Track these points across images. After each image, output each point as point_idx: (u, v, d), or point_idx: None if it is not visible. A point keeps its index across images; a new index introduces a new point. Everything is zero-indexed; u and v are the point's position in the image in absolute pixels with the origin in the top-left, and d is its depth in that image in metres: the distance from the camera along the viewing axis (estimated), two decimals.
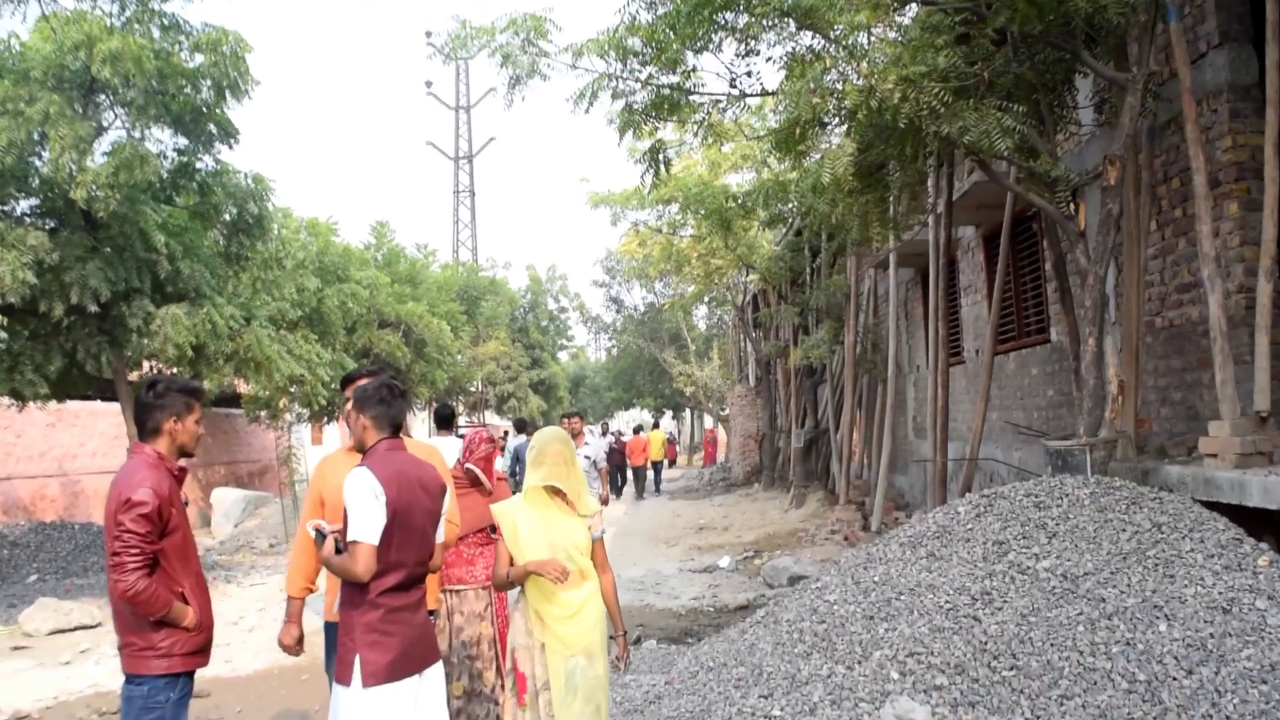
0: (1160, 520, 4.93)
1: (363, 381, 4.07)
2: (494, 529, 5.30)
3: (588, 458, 11.68)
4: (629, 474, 27.08)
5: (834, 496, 16.63)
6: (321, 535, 3.84)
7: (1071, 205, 6.21)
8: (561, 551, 4.07)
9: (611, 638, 4.34)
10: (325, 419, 21.15)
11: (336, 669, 3.70)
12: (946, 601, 4.80)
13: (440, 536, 3.99)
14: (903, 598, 5.01)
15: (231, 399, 21.45)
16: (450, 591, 5.31)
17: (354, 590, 3.66)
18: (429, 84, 44.41)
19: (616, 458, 26.66)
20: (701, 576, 12.18)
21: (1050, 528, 5.10)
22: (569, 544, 4.09)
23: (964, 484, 9.62)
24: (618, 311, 43.21)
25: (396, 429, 3.86)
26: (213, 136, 10.66)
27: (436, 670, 3.83)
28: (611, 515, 20.19)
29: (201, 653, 3.99)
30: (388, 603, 3.65)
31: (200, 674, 8.61)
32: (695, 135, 6.84)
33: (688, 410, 51.89)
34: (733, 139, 14.57)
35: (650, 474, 28.75)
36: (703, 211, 11.75)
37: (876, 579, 5.33)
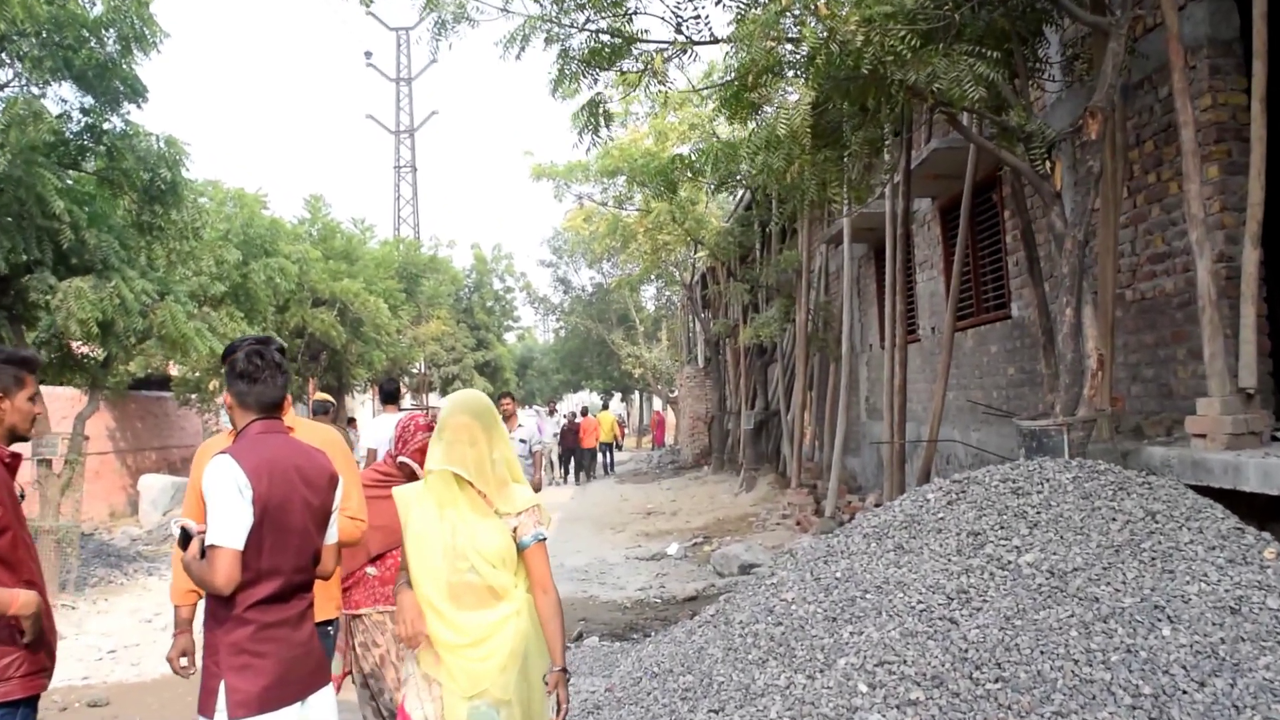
0: (1153, 508, 4.42)
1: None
2: None
3: (523, 441, 11.05)
4: (583, 456, 26.51)
5: (785, 479, 16.16)
6: (187, 535, 3.21)
7: (1048, 164, 5.68)
8: (462, 561, 3.20)
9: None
10: None
11: (200, 698, 3.08)
12: (919, 601, 4.26)
13: (333, 536, 3.36)
14: (869, 596, 4.47)
15: (161, 381, 20.54)
16: (356, 617, 4.44)
17: (218, 604, 3.03)
18: (369, 55, 43.65)
19: (570, 439, 26.06)
20: (649, 565, 11.64)
21: (1031, 516, 4.58)
22: (475, 551, 3.19)
23: (923, 466, 9.15)
24: (565, 292, 42.55)
25: (270, 408, 3.22)
26: (119, 95, 9.83)
27: (324, 697, 3.20)
28: (558, 500, 19.62)
29: (43, 673, 3.32)
30: (259, 618, 3.02)
31: (103, 679, 7.98)
32: (638, 88, 6.20)
33: (637, 392, 51.42)
34: (679, 107, 14.01)
35: (601, 456, 28.30)
36: (645, 178, 11.02)
37: (839, 575, 4.78)
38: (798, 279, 15.14)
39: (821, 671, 4.10)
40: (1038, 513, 4.59)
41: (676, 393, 32.86)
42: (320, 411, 10.57)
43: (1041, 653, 3.68)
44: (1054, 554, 4.24)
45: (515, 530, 3.26)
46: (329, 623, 3.90)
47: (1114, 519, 4.39)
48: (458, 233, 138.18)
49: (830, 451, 13.70)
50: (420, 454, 4.46)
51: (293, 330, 18.15)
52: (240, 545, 2.95)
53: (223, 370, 3.40)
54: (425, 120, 44.80)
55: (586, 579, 10.78)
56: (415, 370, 31.37)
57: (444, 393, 37.07)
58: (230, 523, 2.94)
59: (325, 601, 3.85)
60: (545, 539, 3.33)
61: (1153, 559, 4.08)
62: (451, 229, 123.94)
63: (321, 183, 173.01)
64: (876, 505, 11.83)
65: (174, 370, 18.51)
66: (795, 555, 5.44)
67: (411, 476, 4.43)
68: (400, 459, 4.57)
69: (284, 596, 3.09)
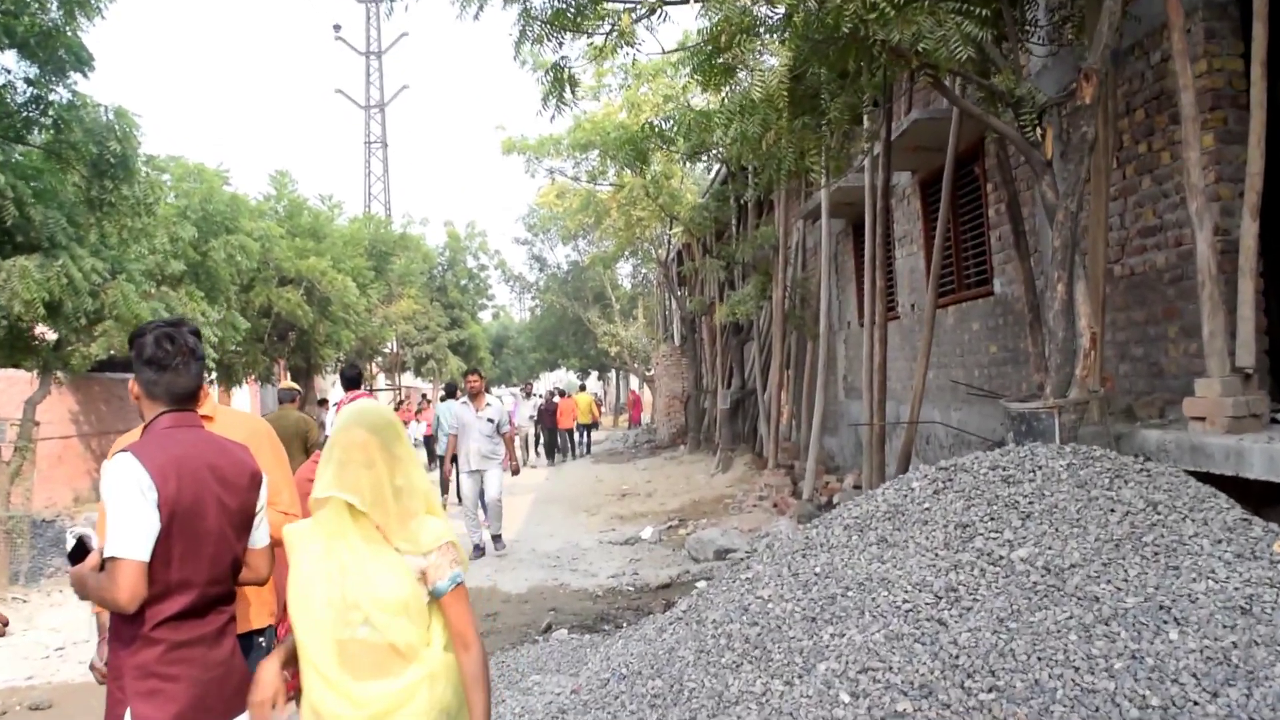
0: (1154, 498, 4.13)
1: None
2: None
3: (490, 420, 10.72)
4: (559, 437, 26.11)
5: (762, 460, 15.88)
6: (83, 547, 2.85)
7: (1038, 131, 5.35)
8: (354, 612, 2.57)
9: None
10: (236, 383, 19.85)
11: None
12: (904, 600, 3.95)
13: (263, 538, 3.01)
14: (850, 594, 4.16)
15: (126, 363, 20.04)
16: None
17: (122, 622, 2.68)
18: (337, 28, 42.81)
19: (548, 419, 25.63)
20: (622, 549, 11.33)
21: (1023, 507, 4.28)
22: (370, 600, 2.56)
23: (904, 448, 8.86)
24: (541, 270, 42.09)
25: (182, 399, 2.86)
26: (64, 64, 9.36)
27: None
28: (532, 481, 19.28)
29: None
30: (169, 636, 2.67)
31: (49, 678, 7.59)
32: (604, 54, 5.82)
33: (613, 371, 51.09)
34: (653, 78, 13.62)
35: (578, 436, 27.97)
36: (616, 148, 10.59)
37: (818, 570, 4.46)
38: (774, 255, 14.80)
39: (800, 678, 3.79)
40: (1030, 503, 4.29)
41: (653, 371, 32.57)
42: (287, 399, 10.24)
43: (1039, 659, 3.38)
44: (1049, 549, 3.94)
45: (425, 573, 2.64)
46: (259, 632, 3.52)
47: (1112, 510, 4.09)
48: (431, 210, 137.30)
49: (808, 431, 13.42)
50: None
51: (258, 310, 17.69)
52: (145, 556, 2.60)
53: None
54: (396, 95, 44.36)
55: (558, 565, 10.46)
56: (387, 350, 30.91)
57: (417, 373, 36.71)
58: (132, 531, 2.59)
59: (258, 608, 3.49)
60: (463, 582, 2.72)
61: (1155, 554, 3.79)
62: (425, 206, 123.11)
63: (290, 160, 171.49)
64: (855, 487, 11.57)
65: None
66: (772, 548, 5.11)
67: None
68: None
69: (198, 611, 2.74)
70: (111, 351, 12.41)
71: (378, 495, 2.62)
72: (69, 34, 9.20)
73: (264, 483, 2.98)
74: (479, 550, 11.12)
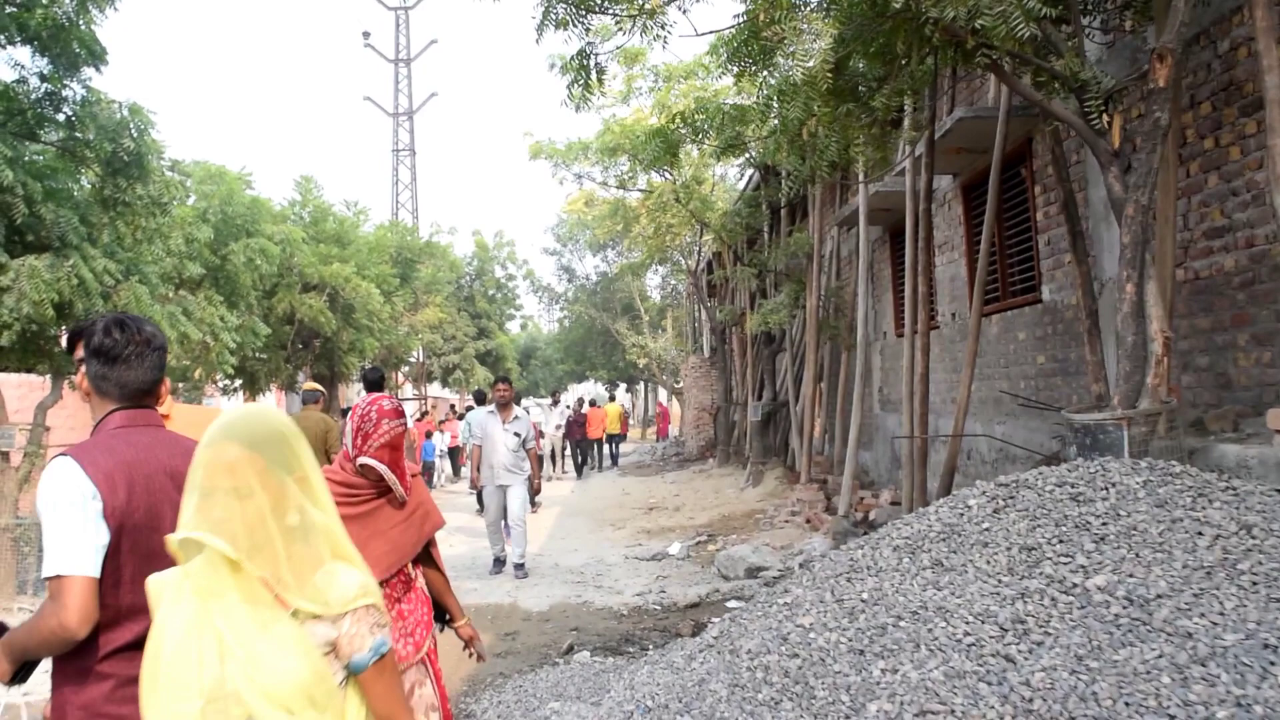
0: (1247, 520, 3.67)
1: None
2: (413, 562, 3.64)
3: (517, 434, 10.27)
4: (588, 448, 25.64)
5: (794, 474, 15.40)
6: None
7: (1104, 118, 4.91)
8: (235, 706, 1.87)
9: None
10: (260, 390, 19.61)
11: None
12: (965, 632, 3.51)
13: None
14: (903, 624, 3.72)
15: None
16: None
17: (67, 655, 2.30)
18: (367, 35, 42.35)
19: (577, 431, 25.11)
20: (649, 565, 10.90)
21: (1096, 529, 3.83)
22: (256, 690, 1.88)
23: (947, 462, 8.39)
24: (569, 281, 41.83)
25: (137, 395, 2.48)
26: (78, 58, 9.09)
27: None
28: (558, 493, 18.88)
29: None
30: (121, 671, 2.28)
31: (46, 695, 7.27)
32: (632, 30, 5.42)
33: (641, 383, 50.72)
34: (686, 78, 13.24)
35: (607, 448, 27.57)
36: (644, 141, 10.12)
37: (865, 596, 4.03)
38: (808, 263, 14.37)
39: (848, 719, 3.36)
40: (1104, 524, 3.84)
41: (681, 383, 32.14)
42: (310, 400, 9.96)
43: (1127, 704, 2.93)
44: (1130, 576, 3.49)
45: (336, 645, 1.98)
46: None
47: (1200, 533, 3.63)
48: (459, 219, 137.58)
49: (841, 445, 12.96)
50: (388, 450, 3.42)
51: (281, 316, 17.41)
52: (94, 571, 2.22)
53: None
54: (424, 102, 43.98)
55: (582, 582, 10.04)
56: (413, 359, 30.64)
57: (444, 383, 36.43)
58: (76, 544, 2.21)
59: None
60: (388, 652, 2.08)
61: (1254, 584, 3.33)
62: (453, 215, 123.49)
63: (318, 167, 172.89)
64: (893, 503, 11.10)
65: None
66: (812, 570, 4.68)
67: (380, 484, 3.45)
68: (360, 460, 3.41)
69: None
70: None
71: (259, 538, 1.90)
72: (82, 27, 8.93)
73: None
74: (499, 563, 10.72)
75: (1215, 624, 3.18)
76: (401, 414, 3.55)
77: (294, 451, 2.00)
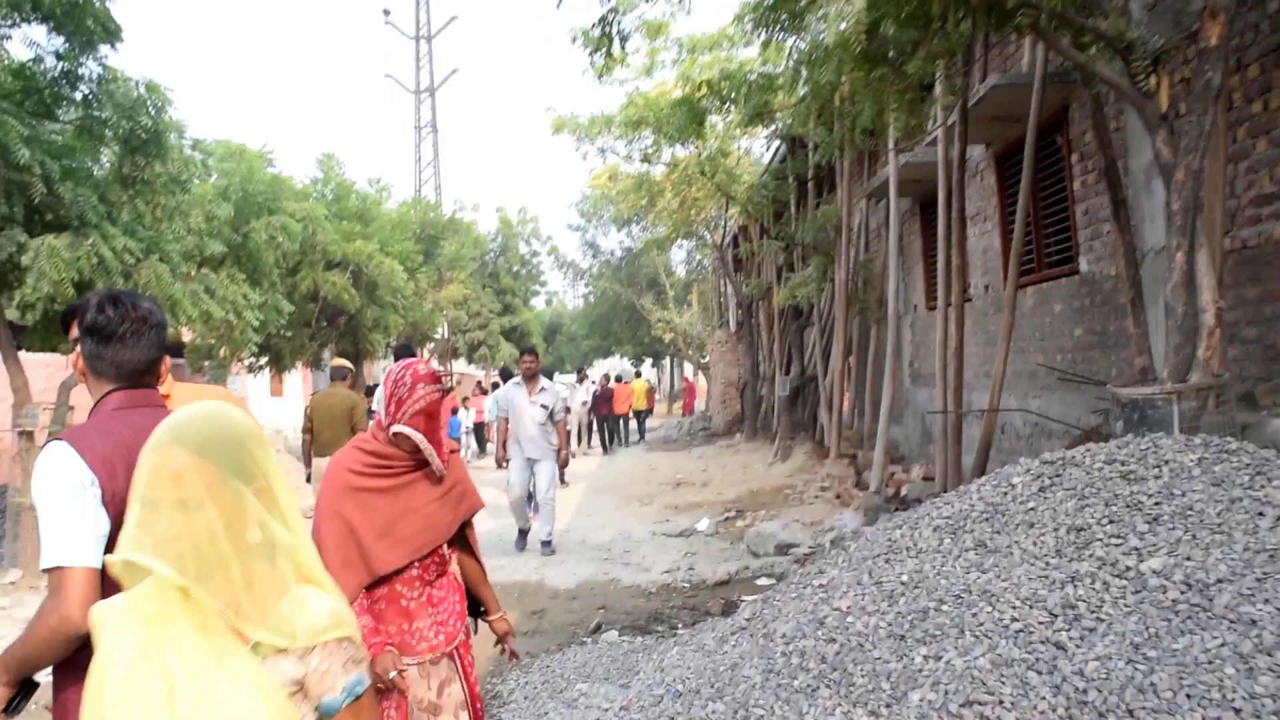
0: None
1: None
2: (448, 545, 3.38)
3: (544, 406, 10.10)
4: (615, 423, 25.55)
5: (823, 449, 15.23)
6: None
7: (1152, 80, 4.70)
8: None
9: None
10: (286, 367, 19.60)
11: None
12: (1013, 618, 3.35)
13: None
14: (946, 609, 3.56)
15: (175, 348, 19.90)
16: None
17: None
18: (387, 13, 42.27)
19: (604, 407, 25.01)
20: (677, 542, 10.77)
21: (1148, 509, 3.65)
22: None
23: (983, 437, 8.21)
24: (594, 256, 41.68)
25: (135, 375, 2.35)
26: (92, 35, 8.97)
27: None
28: (584, 469, 18.80)
29: None
30: None
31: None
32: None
33: (667, 358, 50.59)
34: (711, 49, 13.00)
35: (633, 423, 27.52)
36: (669, 113, 9.84)
37: (905, 579, 3.87)
38: (836, 236, 14.14)
39: (889, 708, 3.21)
40: (1157, 504, 3.66)
41: (708, 358, 31.97)
42: (338, 377, 9.89)
43: (1189, 696, 2.77)
44: (1187, 560, 3.31)
45: (303, 683, 1.72)
46: None
47: (1260, 514, 3.45)
48: (483, 196, 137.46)
49: (873, 419, 12.78)
50: (424, 418, 3.11)
51: (305, 294, 17.34)
52: (96, 562, 2.09)
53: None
54: (446, 79, 43.92)
55: (609, 558, 9.93)
56: (438, 336, 30.60)
57: (470, 359, 36.40)
58: (74, 533, 2.07)
59: None
60: (362, 695, 1.82)
61: None
62: (476, 192, 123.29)
63: (340, 145, 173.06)
64: (925, 479, 10.91)
65: (186, 336, 17.87)
66: (848, 550, 4.53)
67: (416, 455, 3.15)
68: (394, 428, 3.12)
69: None
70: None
71: (211, 560, 1.63)
72: (96, 4, 8.81)
73: None
74: (524, 535, 10.59)
75: None
76: (439, 380, 3.24)
77: (253, 457, 1.73)
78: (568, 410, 10.92)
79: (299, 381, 29.22)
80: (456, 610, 3.36)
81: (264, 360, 19.28)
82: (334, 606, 1.76)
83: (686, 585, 8.49)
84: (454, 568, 3.46)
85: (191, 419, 1.74)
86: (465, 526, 3.45)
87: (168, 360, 2.60)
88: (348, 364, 10.24)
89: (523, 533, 10.61)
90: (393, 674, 2.94)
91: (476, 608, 3.63)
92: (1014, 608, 3.39)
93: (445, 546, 3.33)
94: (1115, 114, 7.50)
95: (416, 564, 3.19)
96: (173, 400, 2.80)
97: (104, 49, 9.26)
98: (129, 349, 2.31)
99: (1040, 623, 3.28)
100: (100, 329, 2.29)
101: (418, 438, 3.11)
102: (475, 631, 3.63)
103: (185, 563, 1.61)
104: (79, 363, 2.39)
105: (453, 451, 3.39)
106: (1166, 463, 3.88)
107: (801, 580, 4.53)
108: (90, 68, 9.31)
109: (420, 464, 3.20)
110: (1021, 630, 3.28)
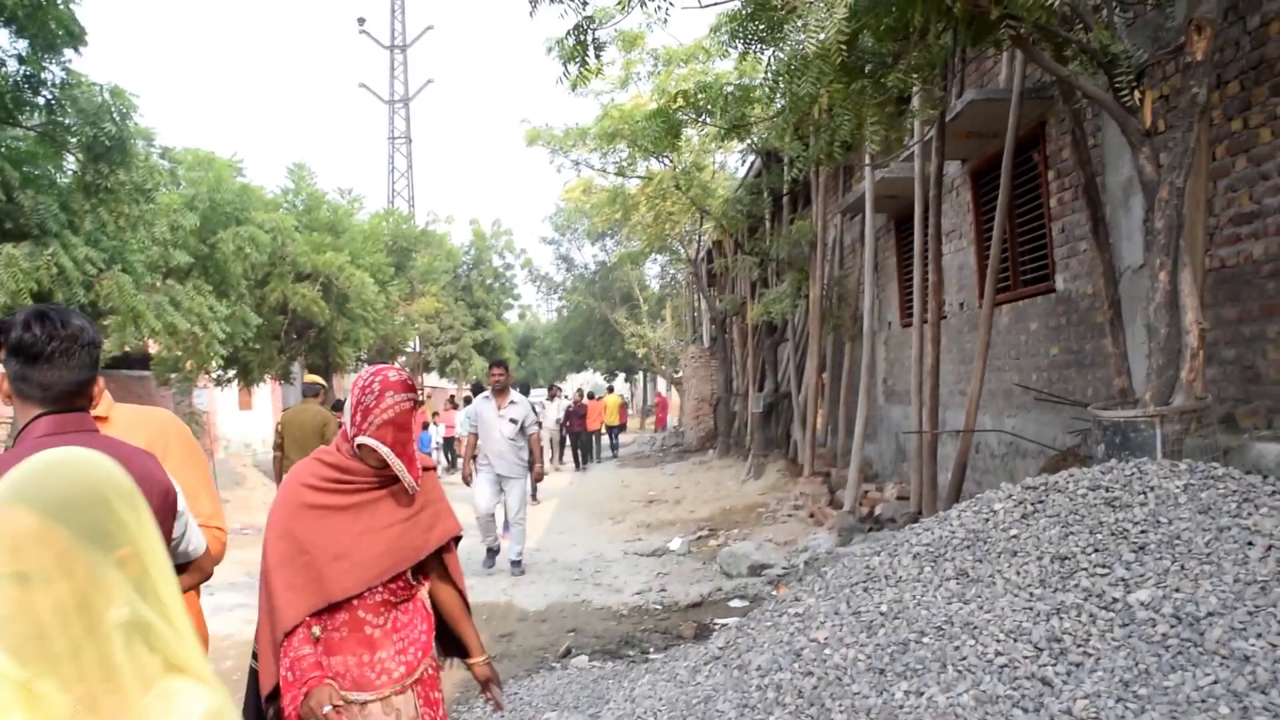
0: None
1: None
2: (418, 575, 3.04)
3: (513, 420, 9.86)
4: (588, 440, 25.34)
5: (796, 466, 15.12)
6: None
7: (1136, 95, 4.61)
8: None
9: None
10: (255, 381, 19.28)
11: None
12: (997, 651, 3.22)
13: (197, 546, 2.35)
14: (927, 641, 3.43)
15: (143, 360, 19.54)
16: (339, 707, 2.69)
17: None
18: (361, 21, 41.87)
19: (578, 424, 24.77)
20: (649, 561, 10.62)
21: (1134, 537, 3.54)
22: None
23: (959, 457, 8.11)
24: (568, 270, 41.56)
25: (64, 397, 2.18)
26: (56, 38, 8.76)
27: None
28: (556, 486, 18.61)
29: None
30: None
31: None
32: (631, 3, 5.10)
33: (640, 373, 50.50)
34: (686, 61, 12.93)
35: (607, 438, 27.34)
36: (644, 125, 9.70)
37: (884, 609, 3.74)
38: (811, 251, 14.06)
39: None
40: (1143, 532, 3.55)
41: (681, 373, 31.87)
42: (310, 393, 9.72)
43: None
44: (1176, 591, 3.20)
45: None
46: None
47: (1250, 543, 3.34)
48: (457, 208, 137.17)
49: (847, 437, 12.68)
50: (393, 429, 2.82)
51: (273, 306, 17.07)
52: None
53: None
54: (420, 89, 43.75)
55: (580, 579, 9.76)
56: (409, 349, 30.33)
57: (442, 373, 36.12)
58: None
59: None
60: None
61: None
62: (450, 204, 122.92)
63: (313, 155, 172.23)
64: (899, 498, 10.80)
65: (153, 348, 17.57)
66: (824, 577, 4.39)
67: (383, 470, 2.87)
68: (359, 440, 2.84)
69: None
70: (126, 348, 11.82)
71: (59, 645, 1.30)
72: (60, 6, 8.61)
73: (179, 497, 2.30)
74: (492, 554, 10.26)
75: (1275, 645, 2.90)
76: (411, 388, 2.94)
77: (118, 519, 1.38)
78: (539, 424, 10.70)
79: (268, 395, 28.89)
80: (421, 640, 3.02)
81: (231, 373, 18.97)
82: (212, 704, 1.41)
83: (658, 607, 8.33)
84: (422, 594, 3.13)
85: (40, 470, 1.40)
86: (444, 552, 3.11)
87: (101, 382, 2.42)
88: (320, 381, 10.06)
89: (491, 551, 10.34)
90: (327, 708, 2.61)
91: (455, 646, 3.23)
92: (998, 641, 3.27)
93: (412, 574, 3.00)
94: (1093, 130, 7.45)
95: (382, 588, 2.88)
96: (111, 424, 2.61)
97: (68, 53, 9.07)
98: (57, 370, 2.14)
99: (1025, 657, 3.15)
100: (26, 348, 2.12)
101: (384, 451, 2.81)
102: (446, 667, 3.26)
103: (26, 650, 1.28)
104: (3, 384, 2.22)
105: (430, 469, 3.11)
106: (1152, 489, 3.77)
107: (777, 608, 4.39)
108: (53, 72, 9.12)
109: (387, 480, 2.90)
110: (1006, 665, 3.15)
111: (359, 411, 2.85)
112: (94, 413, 2.44)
